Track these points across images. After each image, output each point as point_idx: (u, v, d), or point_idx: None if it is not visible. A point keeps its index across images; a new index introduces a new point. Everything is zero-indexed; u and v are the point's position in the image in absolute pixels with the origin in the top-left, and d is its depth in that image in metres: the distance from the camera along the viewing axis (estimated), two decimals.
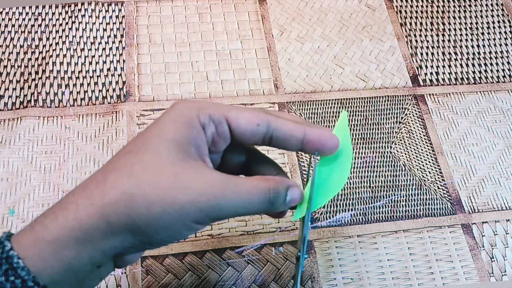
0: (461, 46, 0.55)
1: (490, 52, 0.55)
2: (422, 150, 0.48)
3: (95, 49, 0.50)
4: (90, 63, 0.49)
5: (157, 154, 0.26)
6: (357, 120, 0.49)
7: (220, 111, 0.28)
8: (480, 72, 0.53)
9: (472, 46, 0.55)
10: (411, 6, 0.57)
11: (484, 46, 0.55)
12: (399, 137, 0.48)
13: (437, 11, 0.57)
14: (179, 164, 0.26)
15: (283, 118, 0.29)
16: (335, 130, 0.31)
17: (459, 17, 0.57)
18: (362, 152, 0.47)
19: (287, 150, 0.31)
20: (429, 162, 0.47)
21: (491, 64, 0.54)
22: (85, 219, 0.25)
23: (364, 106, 0.50)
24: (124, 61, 0.50)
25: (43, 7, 0.52)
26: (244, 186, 0.27)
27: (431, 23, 0.56)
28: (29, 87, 0.47)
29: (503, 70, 0.54)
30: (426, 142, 0.48)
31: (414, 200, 0.45)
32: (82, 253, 0.25)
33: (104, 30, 0.51)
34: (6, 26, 0.51)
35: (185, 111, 0.27)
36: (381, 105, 0.50)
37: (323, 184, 0.31)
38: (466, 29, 0.56)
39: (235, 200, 0.27)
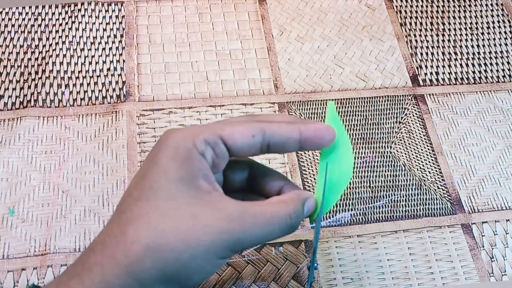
0: (461, 46, 0.55)
1: (490, 52, 0.55)
2: (422, 150, 0.48)
3: (95, 49, 0.50)
4: (90, 63, 0.49)
5: (169, 198, 0.25)
6: (357, 120, 0.49)
7: (214, 132, 0.27)
8: (480, 72, 0.53)
9: (472, 46, 0.55)
10: (411, 6, 0.57)
11: (484, 46, 0.55)
12: (399, 137, 0.48)
13: (437, 11, 0.57)
14: (194, 202, 0.25)
15: (276, 122, 0.28)
16: (326, 122, 0.31)
17: (459, 17, 0.57)
18: (362, 152, 0.47)
19: (286, 153, 0.31)
20: (429, 162, 0.47)
21: (491, 64, 0.54)
22: (113, 280, 0.24)
23: (364, 106, 0.50)
24: (124, 61, 0.50)
25: (43, 7, 0.52)
26: (263, 217, 0.26)
27: (431, 23, 0.56)
28: (29, 87, 0.47)
29: (503, 70, 0.54)
30: (426, 142, 0.48)
31: (414, 200, 0.45)
32: None
33: (104, 30, 0.51)
34: (6, 26, 0.51)
35: (181, 144, 0.26)
36: (381, 105, 0.50)
37: (330, 181, 0.30)
38: (466, 29, 0.56)
39: (255, 232, 0.26)
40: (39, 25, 0.51)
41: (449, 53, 0.54)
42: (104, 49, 0.50)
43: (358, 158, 0.47)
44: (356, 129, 0.48)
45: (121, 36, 0.51)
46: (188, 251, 0.24)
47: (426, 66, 0.53)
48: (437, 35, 0.55)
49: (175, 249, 0.24)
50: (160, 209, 0.25)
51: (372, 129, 0.48)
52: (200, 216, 0.25)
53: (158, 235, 0.24)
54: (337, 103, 0.50)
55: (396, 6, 0.57)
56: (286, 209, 0.27)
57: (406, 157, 0.47)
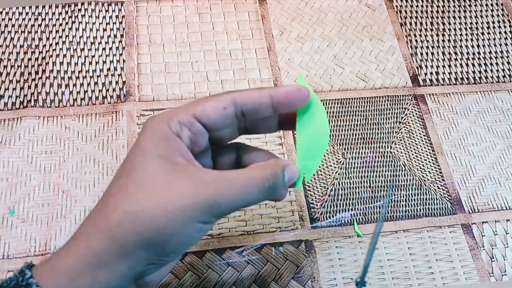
0: (461, 46, 0.55)
1: (490, 52, 0.55)
2: (422, 150, 0.48)
3: (95, 49, 0.50)
4: (90, 63, 0.49)
5: (145, 171, 0.27)
6: (357, 120, 0.49)
7: (187, 113, 0.29)
8: (480, 72, 0.53)
9: (472, 46, 0.55)
10: (411, 6, 0.57)
11: (484, 46, 0.55)
12: (399, 137, 0.48)
13: (437, 11, 0.57)
14: (169, 174, 0.27)
15: (246, 90, 0.29)
16: None
17: (459, 17, 0.57)
18: (362, 152, 0.47)
19: (266, 127, 0.32)
20: (429, 162, 0.47)
21: (491, 64, 0.54)
22: (96, 245, 0.25)
23: (364, 106, 0.50)
24: (124, 61, 0.50)
25: (43, 7, 0.52)
26: (237, 180, 0.27)
27: (431, 23, 0.56)
28: (29, 87, 0.47)
29: (503, 70, 0.54)
30: (426, 142, 0.48)
31: (414, 200, 0.45)
32: (98, 278, 0.25)
33: (104, 30, 0.51)
34: (6, 26, 0.51)
35: (156, 126, 0.28)
36: (381, 105, 0.50)
37: (309, 147, 0.31)
38: (466, 29, 0.56)
39: (231, 195, 0.27)
40: (39, 25, 0.51)
41: (449, 53, 0.54)
42: (104, 49, 0.50)
43: (358, 158, 0.47)
44: (356, 129, 0.48)
45: (121, 36, 0.51)
46: (164, 214, 0.25)
47: (426, 66, 0.53)
48: (437, 35, 0.55)
49: (151, 213, 0.25)
50: (137, 181, 0.27)
51: (372, 129, 0.48)
52: (175, 184, 0.26)
53: (135, 202, 0.26)
54: (337, 103, 0.50)
55: (396, 6, 0.57)
56: (263, 172, 0.28)
57: (406, 157, 0.47)
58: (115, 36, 0.51)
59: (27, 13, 0.52)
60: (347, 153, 0.47)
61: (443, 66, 0.53)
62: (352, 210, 0.44)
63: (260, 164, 0.29)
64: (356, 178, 0.46)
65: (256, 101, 0.29)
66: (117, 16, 0.53)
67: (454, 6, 0.58)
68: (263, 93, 0.29)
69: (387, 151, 0.47)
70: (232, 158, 0.32)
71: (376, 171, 0.46)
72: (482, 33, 0.56)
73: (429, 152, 0.48)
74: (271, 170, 0.28)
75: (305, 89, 0.30)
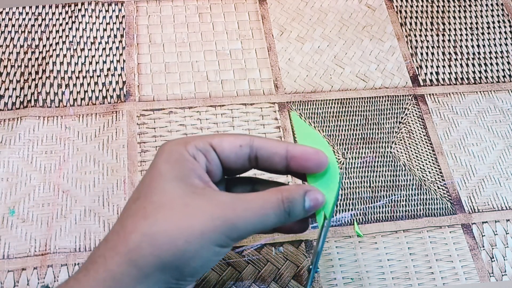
0: (461, 46, 0.55)
1: (490, 52, 0.55)
2: (422, 150, 0.48)
3: (95, 49, 0.50)
4: (90, 63, 0.49)
5: (163, 193, 0.27)
6: (357, 120, 0.49)
7: (204, 140, 0.29)
8: (480, 72, 0.53)
9: (472, 46, 0.55)
10: (411, 6, 0.57)
11: (484, 46, 0.55)
12: (399, 137, 0.48)
13: (437, 11, 0.57)
14: (187, 195, 0.27)
15: (266, 138, 0.30)
16: (298, 136, 0.32)
17: (459, 17, 0.57)
18: (362, 152, 0.47)
19: (275, 173, 0.32)
20: (429, 162, 0.47)
21: (491, 64, 0.54)
22: (115, 268, 0.25)
23: (364, 106, 0.50)
24: (124, 61, 0.50)
25: (43, 7, 0.52)
26: (254, 203, 0.27)
27: (431, 23, 0.56)
28: (29, 87, 0.47)
29: (503, 70, 0.54)
30: (426, 142, 0.48)
31: (414, 200, 0.45)
32: None
33: (104, 30, 0.51)
34: (6, 26, 0.51)
35: (173, 148, 0.28)
36: (381, 105, 0.50)
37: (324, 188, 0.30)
38: (466, 29, 0.56)
39: (248, 218, 0.27)
40: (39, 25, 0.51)
41: (449, 53, 0.54)
42: (104, 49, 0.50)
43: (358, 158, 0.47)
44: (356, 129, 0.48)
45: (121, 36, 0.51)
46: (183, 237, 0.25)
47: (426, 66, 0.53)
48: (437, 35, 0.55)
49: (170, 235, 0.25)
50: (156, 203, 0.26)
51: (372, 129, 0.48)
52: (193, 205, 0.26)
53: (154, 223, 0.26)
54: (337, 103, 0.50)
55: (396, 6, 0.57)
56: (278, 195, 0.28)
57: (406, 157, 0.47)
58: (115, 36, 0.51)
59: (27, 13, 0.52)
60: (347, 153, 0.47)
61: (443, 66, 0.53)
62: (352, 210, 0.44)
63: (279, 188, 0.29)
64: (356, 178, 0.46)
65: (271, 149, 0.29)
66: (117, 16, 0.53)
67: (454, 6, 0.58)
68: (280, 144, 0.30)
69: (387, 151, 0.47)
70: (246, 191, 0.32)
71: (376, 171, 0.46)
72: (482, 33, 0.56)
73: (429, 152, 0.48)
74: (287, 194, 0.28)
75: (323, 156, 0.29)
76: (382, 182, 0.46)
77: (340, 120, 0.49)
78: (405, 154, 0.47)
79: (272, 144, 0.29)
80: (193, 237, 0.25)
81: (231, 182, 0.33)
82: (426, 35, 0.55)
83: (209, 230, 0.26)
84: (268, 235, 0.42)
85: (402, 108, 0.50)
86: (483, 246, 0.43)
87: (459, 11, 0.57)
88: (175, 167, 0.27)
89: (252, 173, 0.35)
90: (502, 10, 0.58)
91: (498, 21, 0.57)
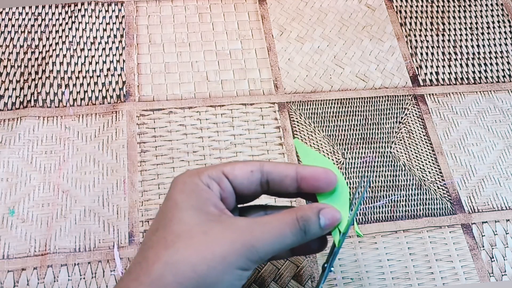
0: (461, 46, 0.55)
1: (490, 52, 0.55)
2: (422, 150, 0.48)
3: (95, 49, 0.50)
4: (90, 63, 0.49)
5: (182, 223, 0.27)
6: (357, 120, 0.49)
7: (217, 169, 0.30)
8: (480, 72, 0.53)
9: (472, 46, 0.55)
10: (411, 6, 0.57)
11: (484, 46, 0.55)
12: (399, 137, 0.48)
13: (437, 11, 0.57)
14: (204, 223, 0.27)
15: (275, 162, 0.31)
16: (303, 160, 0.32)
17: (459, 17, 0.57)
18: (362, 152, 0.47)
19: (286, 196, 0.33)
20: (429, 162, 0.47)
21: (491, 64, 0.54)
22: None
23: (364, 106, 0.50)
24: (124, 61, 0.50)
25: (43, 7, 0.52)
26: (271, 224, 0.28)
27: (431, 23, 0.56)
28: (29, 87, 0.47)
29: (503, 70, 0.54)
30: (426, 142, 0.48)
31: (414, 200, 0.45)
32: None
33: (104, 30, 0.51)
34: (6, 26, 0.51)
35: (187, 179, 0.29)
36: (381, 105, 0.50)
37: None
38: (466, 29, 0.56)
39: (266, 238, 0.27)
40: (39, 25, 0.51)
41: (449, 53, 0.54)
42: (104, 49, 0.50)
43: (358, 158, 0.47)
44: (356, 129, 0.48)
45: (121, 36, 0.51)
46: (205, 262, 0.26)
47: (426, 66, 0.53)
48: (437, 35, 0.55)
49: (192, 262, 0.26)
50: (175, 233, 0.27)
51: (372, 129, 0.48)
52: (211, 232, 0.27)
53: (175, 252, 0.26)
54: (337, 103, 0.50)
55: (396, 6, 0.57)
56: (293, 214, 0.29)
57: (406, 157, 0.47)
58: (115, 36, 0.51)
59: (27, 13, 0.52)
60: (347, 153, 0.47)
61: (443, 66, 0.53)
62: (352, 210, 0.44)
63: (293, 208, 0.30)
64: (356, 178, 0.46)
65: (282, 172, 0.30)
66: (117, 16, 0.53)
67: (454, 6, 0.58)
68: (290, 166, 0.30)
69: (387, 151, 0.47)
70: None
71: (376, 171, 0.46)
72: (482, 33, 0.56)
73: (429, 152, 0.48)
74: (301, 212, 0.29)
75: (332, 174, 0.30)
76: (382, 182, 0.46)
77: (340, 120, 0.49)
78: (405, 154, 0.47)
79: (282, 167, 0.30)
80: (215, 262, 0.26)
81: (244, 210, 0.33)
82: (426, 35, 0.55)
83: (230, 254, 0.26)
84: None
85: (402, 108, 0.50)
86: (483, 246, 0.43)
87: (459, 11, 0.57)
88: (191, 196, 0.28)
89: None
90: (502, 10, 0.58)
91: (498, 21, 0.57)
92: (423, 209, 0.45)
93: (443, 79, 0.52)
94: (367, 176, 0.31)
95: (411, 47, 0.54)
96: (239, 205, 0.33)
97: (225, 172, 0.30)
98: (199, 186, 0.29)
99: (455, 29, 0.56)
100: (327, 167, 0.31)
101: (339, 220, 0.30)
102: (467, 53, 0.54)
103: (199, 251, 0.26)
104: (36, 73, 0.48)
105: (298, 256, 0.41)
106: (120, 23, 0.52)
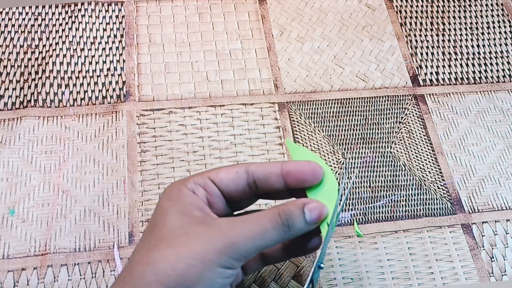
0: (461, 46, 0.55)
1: (490, 52, 0.55)
2: (422, 150, 0.48)
3: (95, 49, 0.50)
4: (90, 63, 0.49)
5: (165, 226, 0.28)
6: (357, 120, 0.49)
7: (202, 175, 0.30)
8: (480, 72, 0.53)
9: (472, 46, 0.55)
10: (411, 6, 0.57)
11: (484, 46, 0.55)
12: (399, 137, 0.48)
13: (437, 11, 0.57)
14: (187, 225, 0.28)
15: (260, 162, 0.31)
16: (293, 157, 0.32)
17: (459, 17, 0.57)
18: (362, 152, 0.47)
19: (281, 198, 0.33)
20: (429, 162, 0.47)
21: (491, 64, 0.54)
22: None
23: (364, 106, 0.50)
24: (124, 61, 0.50)
25: (43, 7, 0.52)
26: (251, 220, 0.28)
27: (431, 23, 0.56)
28: (29, 87, 0.47)
29: (503, 70, 0.54)
30: (426, 142, 0.48)
31: (414, 200, 0.45)
32: None
33: (104, 30, 0.51)
34: (6, 26, 0.51)
35: (173, 187, 0.30)
36: (381, 105, 0.50)
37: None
38: (466, 29, 0.56)
39: (247, 235, 0.27)
40: (39, 25, 0.51)
41: (449, 53, 0.54)
42: (104, 49, 0.50)
43: (358, 158, 0.47)
44: (356, 129, 0.48)
45: (121, 36, 0.51)
46: (183, 260, 0.26)
47: (426, 66, 0.53)
48: (437, 35, 0.55)
49: (172, 260, 0.26)
50: (159, 236, 0.28)
51: (372, 129, 0.48)
52: (192, 232, 0.27)
53: (156, 253, 0.27)
54: (337, 103, 0.50)
55: (396, 6, 0.57)
56: (275, 209, 0.29)
57: (406, 157, 0.47)
58: (115, 36, 0.51)
59: (27, 13, 0.52)
60: (347, 153, 0.47)
61: (443, 66, 0.53)
62: (352, 210, 0.44)
63: (276, 204, 0.30)
64: (356, 178, 0.46)
65: (267, 170, 0.30)
66: (117, 16, 0.53)
67: (454, 6, 0.58)
68: (274, 164, 0.31)
69: (387, 151, 0.47)
70: None
71: (376, 171, 0.46)
72: (482, 33, 0.56)
73: (429, 152, 0.48)
74: (283, 207, 0.29)
75: (316, 166, 0.30)
76: (382, 182, 0.46)
77: (340, 120, 0.49)
78: (405, 154, 0.47)
79: (267, 165, 0.31)
80: (193, 260, 0.26)
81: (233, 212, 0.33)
82: (426, 35, 0.55)
83: (209, 252, 0.26)
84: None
85: (402, 108, 0.50)
86: (483, 246, 0.43)
87: (459, 11, 0.57)
88: (176, 202, 0.29)
89: None
90: (502, 10, 0.58)
91: (498, 21, 0.57)
92: (423, 209, 0.45)
93: (443, 79, 0.52)
94: (351, 168, 0.31)
95: (411, 47, 0.54)
96: (235, 212, 0.33)
97: (211, 177, 0.30)
98: (184, 191, 0.29)
99: (455, 29, 0.56)
100: (313, 159, 0.31)
101: (326, 214, 0.30)
102: (467, 53, 0.54)
103: (178, 250, 0.26)
104: (36, 73, 0.48)
105: (298, 257, 0.41)
106: (120, 23, 0.52)
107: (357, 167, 0.46)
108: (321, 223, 0.30)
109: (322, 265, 0.32)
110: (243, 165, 0.31)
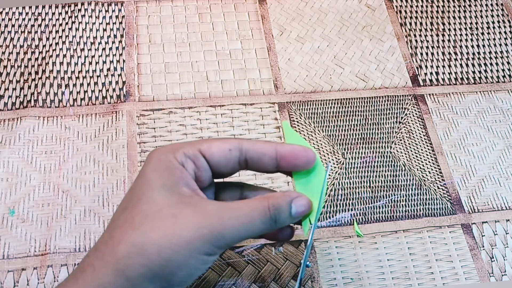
0: (461, 46, 0.55)
1: (490, 52, 0.55)
2: (422, 150, 0.48)
3: (95, 49, 0.50)
4: (90, 63, 0.49)
5: (151, 203, 0.27)
6: (357, 120, 0.49)
7: (193, 147, 0.29)
8: (480, 72, 0.53)
9: (472, 46, 0.55)
10: (411, 6, 0.57)
11: (484, 46, 0.55)
12: (399, 137, 0.48)
13: (437, 11, 0.57)
14: (175, 205, 0.27)
15: (254, 140, 0.30)
16: (287, 140, 0.32)
17: (459, 17, 0.57)
18: (362, 152, 0.47)
19: (267, 172, 0.32)
20: (429, 162, 0.47)
21: (491, 64, 0.54)
22: (103, 278, 0.26)
23: (364, 106, 0.50)
24: (124, 61, 0.50)
25: (43, 7, 0.52)
26: (241, 211, 0.28)
27: (431, 23, 0.56)
28: (29, 87, 0.47)
29: (503, 70, 0.54)
30: (426, 142, 0.48)
31: (414, 200, 0.45)
32: None
33: (104, 30, 0.51)
34: (6, 26, 0.51)
35: (162, 156, 0.28)
36: (381, 105, 0.50)
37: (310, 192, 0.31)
38: (466, 29, 0.56)
39: (235, 226, 0.27)
40: (39, 25, 0.51)
41: (449, 53, 0.54)
42: (104, 49, 0.50)
43: (358, 158, 0.47)
44: (356, 129, 0.48)
45: (121, 36, 0.51)
46: (170, 246, 0.26)
47: (426, 66, 0.53)
48: (437, 35, 0.55)
49: (157, 245, 0.26)
50: (143, 213, 0.27)
51: (372, 129, 0.48)
52: (180, 215, 0.27)
53: (141, 234, 0.26)
54: (337, 103, 0.50)
55: (396, 6, 0.57)
56: (265, 202, 0.28)
57: (406, 157, 0.47)
58: (115, 36, 0.51)
59: (27, 13, 0.52)
60: (347, 153, 0.47)
61: (443, 66, 0.53)
62: (352, 210, 0.44)
63: (265, 195, 0.29)
64: (356, 178, 0.46)
65: (261, 151, 0.30)
66: (117, 16, 0.53)
67: (454, 6, 0.58)
68: (269, 145, 0.30)
69: (387, 151, 0.47)
70: (236, 196, 0.33)
71: (376, 171, 0.46)
72: (482, 33, 0.56)
73: (429, 152, 0.48)
74: (273, 201, 0.28)
75: (311, 152, 0.30)
76: (382, 182, 0.46)
77: (340, 120, 0.49)
78: (405, 154, 0.47)
79: (261, 146, 0.30)
80: (180, 247, 0.26)
81: (220, 187, 0.33)
82: (426, 35, 0.55)
83: (196, 240, 0.26)
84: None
85: (402, 108, 0.50)
86: (483, 246, 0.43)
87: (459, 11, 0.57)
88: (164, 175, 0.28)
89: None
90: (502, 10, 0.58)
91: (498, 21, 0.57)
92: (423, 209, 0.45)
93: (443, 79, 0.52)
94: (330, 162, 0.31)
95: (411, 47, 0.54)
96: (215, 180, 0.32)
97: (202, 150, 0.29)
98: (173, 164, 0.28)
99: (455, 29, 0.56)
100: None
101: (310, 210, 0.30)
102: (467, 53, 0.54)
103: (166, 235, 0.26)
104: (36, 73, 0.48)
105: (298, 256, 0.41)
106: (120, 23, 0.52)
107: (357, 167, 0.46)
108: (304, 218, 0.30)
109: (309, 263, 0.32)
110: (236, 141, 0.30)
